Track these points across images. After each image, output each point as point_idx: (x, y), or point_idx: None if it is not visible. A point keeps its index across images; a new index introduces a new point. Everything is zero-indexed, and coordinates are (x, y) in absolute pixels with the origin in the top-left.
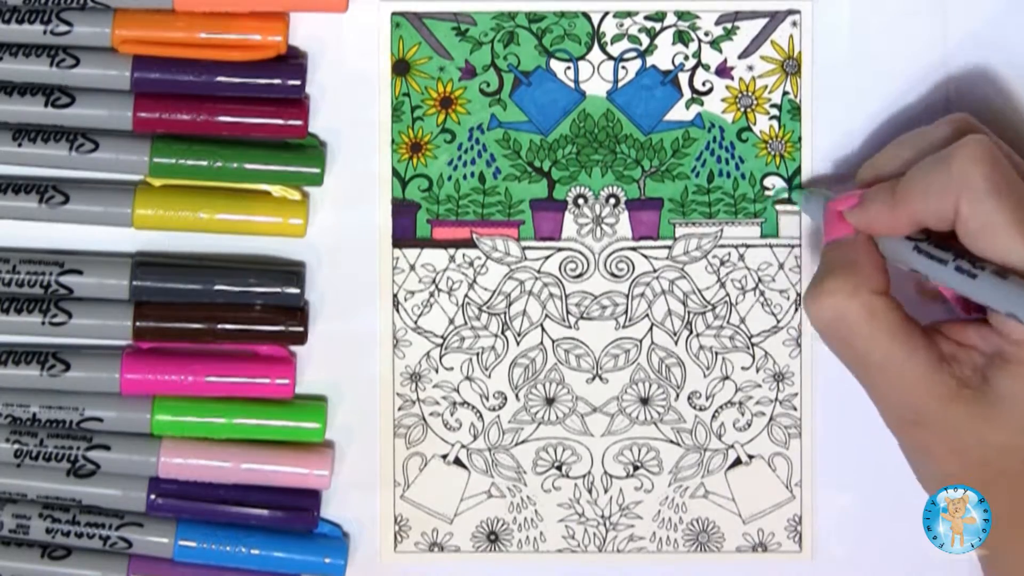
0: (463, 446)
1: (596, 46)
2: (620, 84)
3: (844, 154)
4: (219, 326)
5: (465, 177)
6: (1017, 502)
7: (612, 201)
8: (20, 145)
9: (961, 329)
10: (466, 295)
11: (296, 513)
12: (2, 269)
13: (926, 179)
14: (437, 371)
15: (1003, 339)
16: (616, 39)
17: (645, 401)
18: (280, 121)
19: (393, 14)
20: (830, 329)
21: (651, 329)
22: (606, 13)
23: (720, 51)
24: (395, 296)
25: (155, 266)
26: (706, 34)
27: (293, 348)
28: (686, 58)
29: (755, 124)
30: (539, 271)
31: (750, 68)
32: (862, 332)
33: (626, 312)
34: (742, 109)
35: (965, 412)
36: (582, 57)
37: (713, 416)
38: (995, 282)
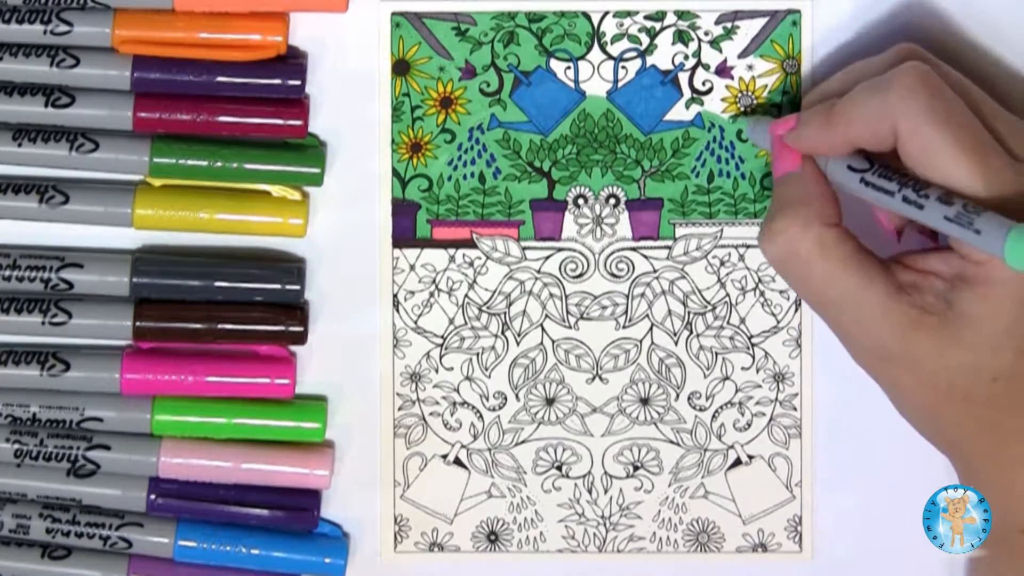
0: (463, 446)
1: (596, 46)
2: (620, 84)
3: None
4: (219, 326)
5: (465, 177)
6: (984, 428)
7: (612, 201)
8: (20, 145)
9: (922, 257)
10: (466, 295)
11: (296, 513)
12: (3, 264)
13: (864, 102)
14: (437, 371)
15: (965, 261)
16: (616, 39)
17: (645, 401)
18: (280, 121)
19: (393, 14)
20: (785, 266)
21: (651, 329)
22: (606, 13)
23: (720, 51)
24: (395, 296)
25: (155, 262)
26: (706, 33)
27: (293, 348)
28: (686, 58)
29: None
30: (539, 271)
31: (750, 68)
32: (816, 267)
33: (626, 312)
34: (742, 109)
35: (928, 339)
36: (582, 57)
37: (713, 416)
38: (942, 209)
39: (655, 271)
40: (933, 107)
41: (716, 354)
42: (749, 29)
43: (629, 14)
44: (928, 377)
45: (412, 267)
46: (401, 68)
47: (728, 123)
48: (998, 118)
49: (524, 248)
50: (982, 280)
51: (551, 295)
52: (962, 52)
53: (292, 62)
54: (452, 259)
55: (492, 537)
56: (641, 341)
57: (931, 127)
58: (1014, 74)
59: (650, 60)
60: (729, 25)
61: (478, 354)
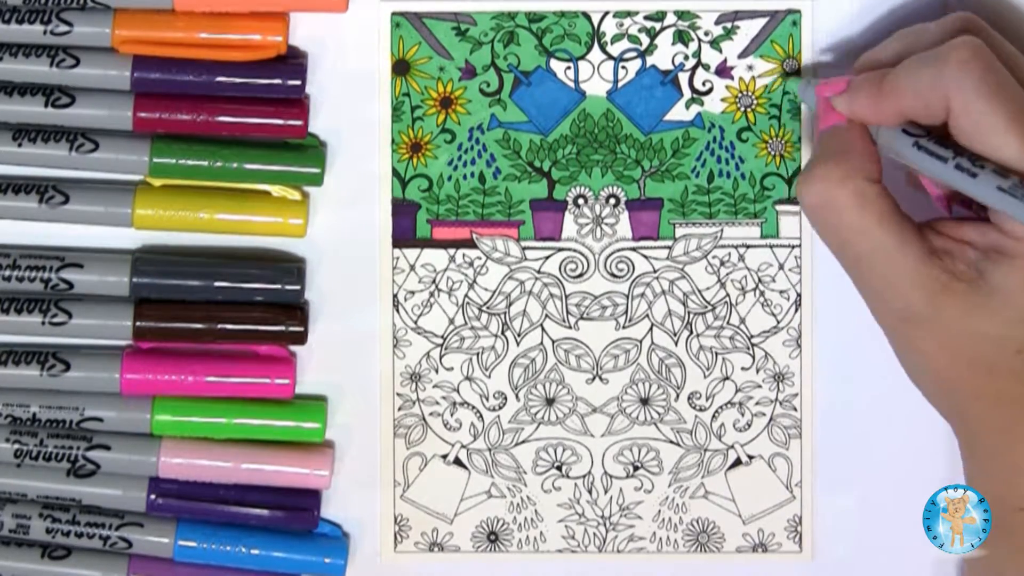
0: (463, 446)
1: (596, 46)
2: (620, 84)
3: None
4: (219, 326)
5: (465, 177)
6: (1001, 400)
7: (612, 201)
8: (20, 145)
9: (956, 226)
10: (466, 295)
11: (296, 513)
12: (3, 264)
13: (917, 74)
14: (437, 371)
15: (1003, 235)
16: (616, 39)
17: (645, 401)
18: (280, 121)
19: (393, 14)
20: (820, 215)
21: (651, 329)
22: (606, 13)
23: (720, 51)
24: (395, 296)
25: (155, 262)
26: (706, 34)
27: (293, 348)
28: (686, 58)
29: (755, 124)
30: (539, 271)
31: (750, 68)
32: (852, 219)
33: (626, 312)
34: (742, 109)
35: (956, 305)
36: (582, 57)
37: (713, 416)
38: (997, 180)
39: (655, 271)
40: (987, 82)
41: (716, 354)
42: (749, 29)
43: (629, 14)
44: (952, 343)
45: (412, 267)
46: (401, 68)
47: (728, 124)
48: None
49: (524, 248)
50: (1016, 254)
51: (551, 295)
52: (1015, 26)
53: (292, 62)
54: (452, 259)
55: (492, 537)
56: (641, 341)
57: (984, 102)
58: None
59: (650, 60)
60: (729, 25)
61: (478, 354)
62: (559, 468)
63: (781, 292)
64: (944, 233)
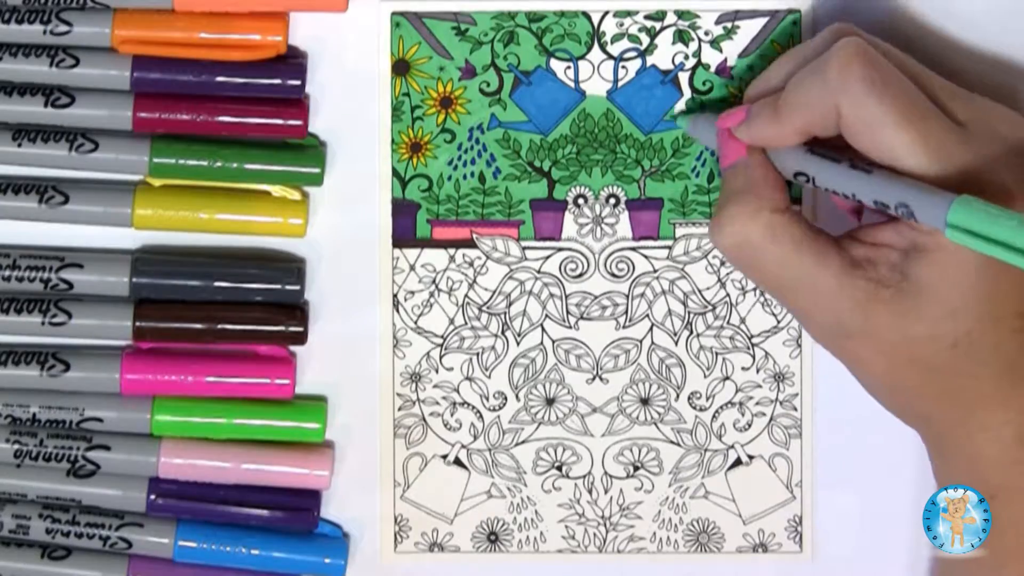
0: (463, 446)
1: (596, 45)
2: (620, 84)
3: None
4: (219, 326)
5: (465, 177)
6: (948, 396)
7: (612, 201)
8: (20, 145)
9: (874, 230)
10: (466, 295)
11: (296, 513)
12: (3, 264)
13: (805, 86)
14: (437, 371)
15: (916, 231)
16: (616, 38)
17: (645, 401)
18: (280, 121)
19: (393, 14)
20: (738, 256)
21: (651, 329)
22: (606, 12)
23: (720, 50)
24: (395, 296)
25: (155, 262)
26: (706, 33)
27: (293, 348)
28: (686, 57)
29: None
30: (539, 271)
31: (750, 68)
32: (768, 253)
33: (626, 312)
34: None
35: (886, 312)
36: (582, 57)
37: (713, 416)
38: (889, 176)
39: (655, 271)
40: (871, 79)
41: (716, 354)
42: (749, 29)
43: (629, 14)
44: (888, 349)
45: (412, 267)
46: (401, 68)
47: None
48: (938, 87)
49: (524, 248)
50: (933, 248)
51: (551, 295)
52: (932, 44)
53: (292, 62)
54: (452, 259)
55: (492, 537)
56: (641, 341)
57: (871, 99)
58: (967, 53)
59: (650, 60)
60: (729, 25)
61: (478, 354)
62: (559, 468)
63: None
64: (864, 241)
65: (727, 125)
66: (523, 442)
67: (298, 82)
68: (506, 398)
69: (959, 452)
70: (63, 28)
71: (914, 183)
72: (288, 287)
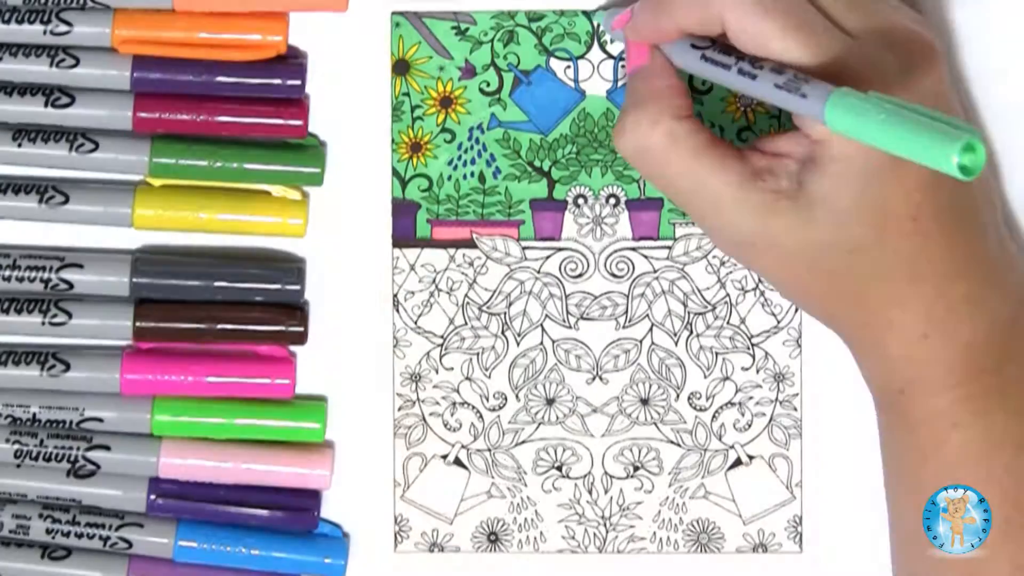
0: (463, 446)
1: (596, 45)
2: (620, 83)
3: None
4: (219, 326)
5: (465, 177)
6: (852, 300)
7: (612, 201)
8: (20, 145)
9: (773, 140)
10: (466, 295)
11: (296, 513)
12: (3, 264)
13: None
14: (437, 371)
15: (812, 142)
16: (616, 38)
17: (645, 401)
18: (280, 121)
19: (393, 14)
20: (640, 161)
21: (651, 329)
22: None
23: None
24: (395, 296)
25: (155, 262)
26: None
27: (293, 348)
28: None
29: (755, 124)
30: (539, 271)
31: None
32: (669, 160)
33: (626, 312)
34: (742, 109)
35: (784, 221)
36: (582, 56)
37: (713, 417)
38: (773, 78)
39: (655, 271)
40: (759, 1)
41: (716, 354)
42: None
43: None
44: (789, 257)
45: (412, 267)
46: (401, 68)
47: (729, 123)
48: None
49: (524, 248)
50: (827, 158)
51: (551, 295)
52: None
53: (292, 62)
54: (452, 259)
55: (492, 537)
56: (641, 341)
57: (757, 16)
58: None
59: None
60: None
61: (478, 354)
62: (559, 468)
63: None
64: (764, 151)
65: (617, 27)
66: (523, 442)
67: (298, 82)
68: (506, 398)
69: (870, 351)
70: (63, 28)
71: (797, 78)
72: (288, 287)
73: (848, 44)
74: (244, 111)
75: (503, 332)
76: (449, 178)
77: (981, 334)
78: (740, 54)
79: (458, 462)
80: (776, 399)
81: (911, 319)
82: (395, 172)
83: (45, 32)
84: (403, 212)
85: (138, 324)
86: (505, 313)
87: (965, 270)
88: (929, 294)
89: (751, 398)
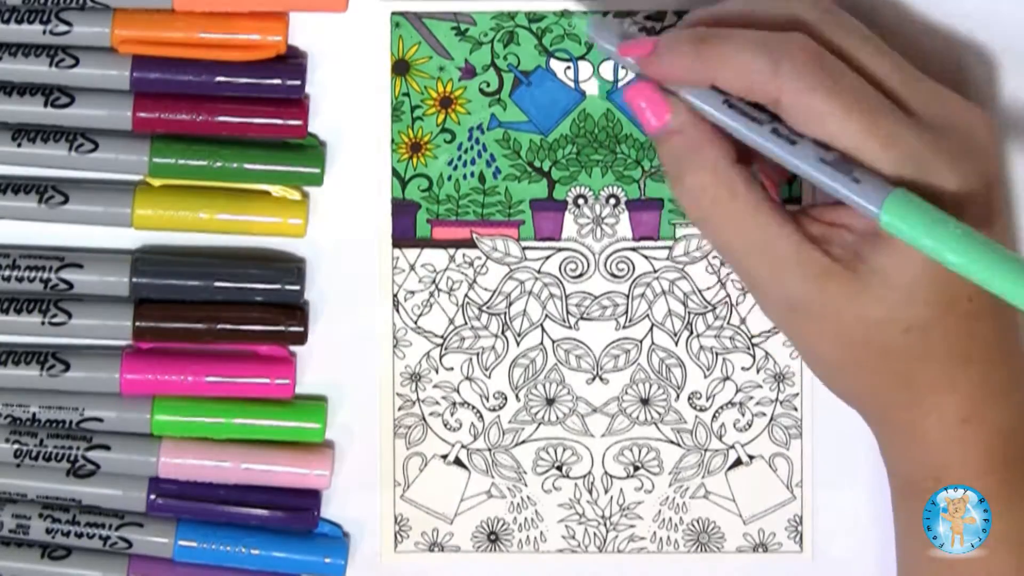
0: (463, 446)
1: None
2: (620, 84)
3: None
4: (219, 326)
5: (465, 177)
6: (898, 380)
7: (612, 201)
8: (20, 145)
9: (830, 210)
10: (466, 295)
11: (296, 513)
12: (3, 264)
13: (747, 59)
14: (437, 371)
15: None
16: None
17: (645, 401)
18: (280, 121)
19: (393, 14)
20: (709, 218)
21: (651, 329)
22: (606, 13)
23: None
24: (395, 296)
25: (155, 262)
26: None
27: (293, 348)
28: None
29: None
30: (539, 271)
31: None
32: (727, 212)
33: (626, 312)
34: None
35: (840, 290)
36: (582, 57)
37: (713, 416)
38: (818, 151)
39: (655, 271)
40: (823, 83)
41: (716, 354)
42: None
43: (629, 14)
44: (840, 328)
45: (412, 267)
46: (401, 68)
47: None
48: (890, 69)
49: (524, 248)
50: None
51: (551, 295)
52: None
53: (292, 62)
54: (452, 259)
55: (492, 537)
56: (641, 341)
57: (818, 96)
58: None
59: None
60: None
61: (478, 354)
62: (559, 468)
63: None
64: (819, 219)
65: (630, 54)
66: (523, 442)
67: (298, 82)
68: (506, 398)
69: (905, 434)
70: (63, 28)
71: (847, 159)
72: (288, 287)
73: (911, 125)
74: (244, 111)
75: (503, 332)
76: (449, 178)
77: (1017, 420)
78: (773, 115)
79: (458, 462)
80: (776, 399)
81: (955, 402)
82: (395, 172)
83: (45, 32)
84: (403, 212)
85: (138, 324)
86: (505, 313)
87: (1008, 354)
88: (975, 378)
89: (751, 398)
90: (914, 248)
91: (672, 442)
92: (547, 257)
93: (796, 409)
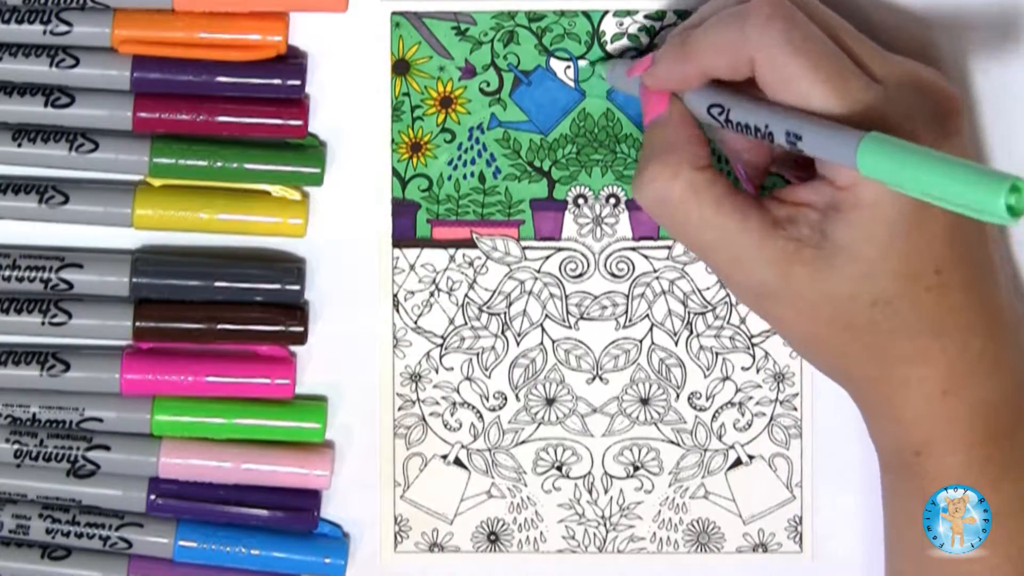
0: (463, 446)
1: (596, 45)
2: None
3: None
4: (219, 326)
5: (465, 177)
6: (869, 354)
7: (612, 201)
8: (20, 145)
9: (794, 190)
10: (466, 295)
11: (296, 513)
12: (3, 264)
13: (719, 32)
14: (437, 371)
15: (834, 189)
16: (616, 38)
17: (645, 401)
18: (280, 121)
19: (393, 14)
20: (660, 212)
21: (651, 329)
22: (606, 12)
23: None
24: (395, 296)
25: (155, 262)
26: None
27: (293, 348)
28: None
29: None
30: (539, 271)
31: None
32: (689, 211)
33: (626, 312)
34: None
35: (805, 271)
36: (582, 56)
37: (713, 416)
38: (802, 113)
39: (655, 271)
40: (790, 37)
41: (716, 354)
42: None
43: (629, 13)
44: (809, 309)
45: (412, 267)
46: (401, 68)
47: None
48: (857, 44)
49: (524, 248)
50: (851, 205)
51: (551, 295)
52: None
53: (292, 62)
54: (452, 259)
55: (492, 537)
56: (641, 341)
57: (788, 56)
58: (885, 6)
59: None
60: None
61: (478, 354)
62: (559, 468)
63: None
64: (785, 200)
65: (636, 73)
66: (523, 442)
67: (298, 82)
68: (506, 398)
69: (885, 408)
70: (63, 28)
71: (826, 122)
72: (288, 287)
73: (878, 91)
74: (244, 111)
75: (503, 332)
76: (449, 178)
77: (999, 393)
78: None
79: (458, 462)
80: (776, 399)
81: (932, 375)
82: (395, 172)
83: (45, 32)
84: (403, 212)
85: (138, 324)
86: (505, 313)
87: (984, 326)
88: (951, 350)
89: (751, 398)
90: (880, 220)
91: (672, 442)
92: (547, 257)
93: (796, 409)
